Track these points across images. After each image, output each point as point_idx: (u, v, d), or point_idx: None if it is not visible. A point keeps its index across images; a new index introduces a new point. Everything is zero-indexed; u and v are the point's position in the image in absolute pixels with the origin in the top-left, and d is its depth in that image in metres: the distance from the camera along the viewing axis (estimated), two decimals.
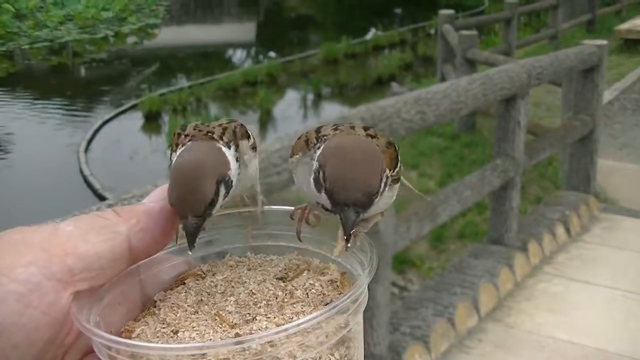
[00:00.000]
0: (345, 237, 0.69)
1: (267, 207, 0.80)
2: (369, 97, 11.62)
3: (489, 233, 5.86)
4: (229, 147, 0.74)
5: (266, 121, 12.13)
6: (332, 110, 12.58)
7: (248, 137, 0.79)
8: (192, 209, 0.67)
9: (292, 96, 14.16)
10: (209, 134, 0.75)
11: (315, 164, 0.72)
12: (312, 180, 0.72)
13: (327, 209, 0.71)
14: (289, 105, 13.30)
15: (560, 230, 6.08)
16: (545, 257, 5.78)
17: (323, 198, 0.71)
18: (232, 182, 0.72)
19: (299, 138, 0.80)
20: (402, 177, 0.85)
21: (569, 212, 6.32)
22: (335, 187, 0.69)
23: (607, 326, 4.85)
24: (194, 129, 0.76)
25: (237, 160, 0.75)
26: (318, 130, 0.79)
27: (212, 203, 0.68)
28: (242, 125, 0.79)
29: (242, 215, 0.79)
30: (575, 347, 4.61)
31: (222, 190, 0.70)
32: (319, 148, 0.74)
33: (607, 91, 10.40)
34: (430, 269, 5.84)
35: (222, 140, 0.74)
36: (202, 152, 0.72)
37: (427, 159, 8.15)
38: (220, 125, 0.77)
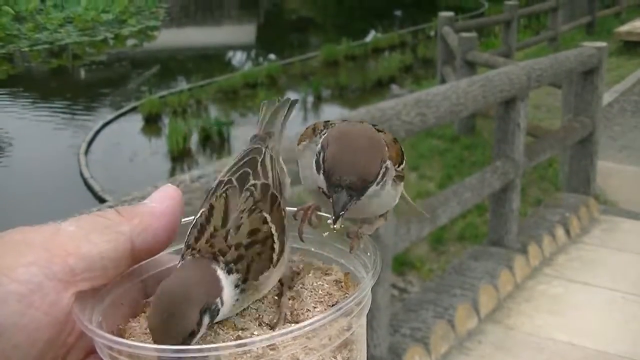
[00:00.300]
0: (333, 218, 0.69)
1: None
2: (369, 99, 11.63)
3: (489, 235, 5.86)
4: (230, 272, 0.68)
5: None
6: (332, 112, 12.58)
7: (271, 261, 0.70)
8: (170, 340, 0.62)
9: (292, 98, 14.17)
10: (219, 253, 0.68)
11: (318, 147, 0.72)
12: (314, 162, 0.72)
13: (325, 194, 0.71)
14: None
15: (560, 232, 6.08)
16: (545, 259, 5.78)
17: (322, 180, 0.71)
18: (218, 310, 0.66)
19: (307, 127, 0.80)
20: (403, 191, 0.85)
21: (569, 214, 6.32)
22: (332, 167, 0.69)
23: (607, 328, 4.86)
24: (207, 242, 0.69)
25: (236, 287, 0.68)
26: (327, 121, 0.79)
27: (192, 335, 0.63)
28: (269, 248, 0.70)
29: None
30: (575, 348, 4.61)
31: (206, 320, 0.64)
32: (324, 134, 0.74)
33: (607, 93, 10.41)
34: (430, 271, 5.84)
35: (226, 265, 0.68)
36: (191, 276, 0.66)
37: (427, 161, 8.15)
38: (238, 248, 0.68)
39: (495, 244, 5.73)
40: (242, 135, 11.39)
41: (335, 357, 0.63)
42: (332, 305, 0.66)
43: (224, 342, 0.63)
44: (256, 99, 12.80)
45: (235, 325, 0.66)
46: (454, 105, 4.80)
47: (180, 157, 10.44)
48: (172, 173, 9.95)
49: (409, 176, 7.59)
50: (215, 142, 11.07)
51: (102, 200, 8.46)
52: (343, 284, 0.70)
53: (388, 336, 4.26)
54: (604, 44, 6.98)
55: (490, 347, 4.64)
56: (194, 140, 11.01)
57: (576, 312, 5.05)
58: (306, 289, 0.70)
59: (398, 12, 26.59)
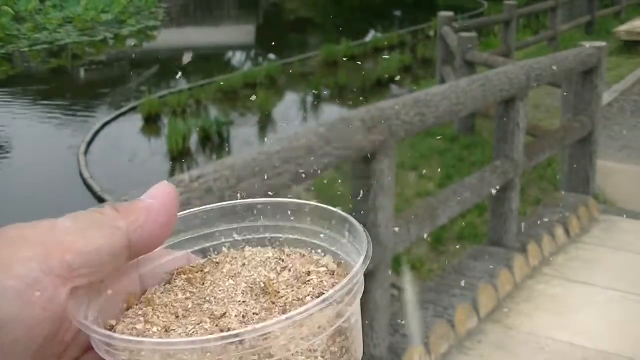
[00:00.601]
0: None
1: (261, 199, 0.77)
2: (369, 99, 11.63)
3: (489, 235, 5.86)
4: None
5: (266, 123, 12.12)
6: (332, 112, 12.59)
7: None
8: None
9: (292, 98, 14.16)
10: None
11: None
12: None
13: None
14: (288, 108, 13.30)
15: (559, 232, 6.07)
16: (545, 259, 5.78)
17: None
18: None
19: None
20: None
21: (569, 213, 6.32)
22: None
23: (607, 327, 4.86)
24: None
25: None
26: None
27: None
28: None
29: (237, 209, 0.79)
30: (574, 348, 4.61)
31: None
32: None
33: (607, 93, 10.40)
34: (430, 271, 5.84)
35: None
36: None
37: (427, 160, 8.15)
38: None
39: (495, 244, 5.72)
40: (241, 135, 11.40)
41: (329, 347, 0.62)
42: (322, 294, 0.66)
43: (210, 332, 0.62)
44: (256, 99, 12.81)
45: (214, 314, 0.64)
46: (453, 105, 4.80)
47: (179, 157, 10.45)
48: (172, 173, 9.95)
49: (409, 176, 7.59)
50: (214, 142, 11.08)
51: (101, 200, 8.46)
52: (336, 273, 0.70)
53: (388, 336, 4.26)
54: (603, 43, 6.97)
55: (490, 346, 4.64)
56: (194, 140, 11.02)
57: (576, 312, 5.05)
58: (296, 279, 0.68)
59: (398, 12, 26.60)
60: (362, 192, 4.11)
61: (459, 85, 5.08)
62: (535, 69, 5.87)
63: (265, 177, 3.22)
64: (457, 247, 6.03)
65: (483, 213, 6.58)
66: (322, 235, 0.73)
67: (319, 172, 3.90)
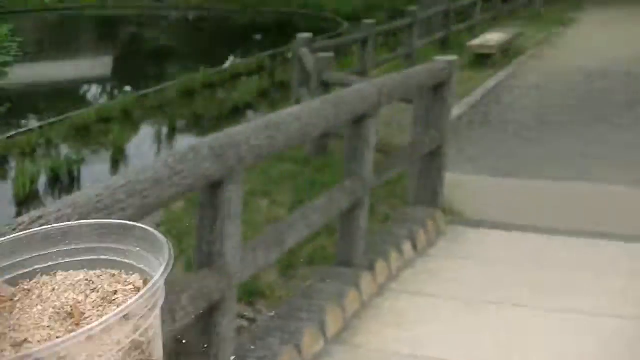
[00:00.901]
0: None
1: (75, 222, 0.78)
2: (226, 127, 11.49)
3: (338, 255, 5.87)
4: None
5: (119, 159, 11.79)
6: (185, 142, 12.36)
7: None
8: None
9: (146, 131, 13.86)
10: None
11: None
12: None
13: None
14: (143, 141, 13.01)
15: (407, 247, 6.16)
16: (392, 275, 5.84)
17: None
18: None
19: None
20: None
21: (417, 227, 6.43)
22: None
23: (451, 337, 4.96)
24: None
25: None
26: None
27: None
28: None
29: (50, 234, 0.77)
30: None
31: None
32: None
33: (457, 106, 10.74)
34: (280, 298, 5.77)
35: None
36: None
37: (278, 186, 8.09)
38: None
39: (344, 264, 5.74)
40: (93, 172, 11.04)
41: None
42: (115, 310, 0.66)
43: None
44: (110, 134, 12.46)
45: (16, 341, 0.65)
46: (305, 125, 4.76)
47: (26, 201, 10.01)
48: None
49: (260, 203, 7.53)
50: (64, 182, 10.68)
51: None
52: (141, 289, 0.70)
53: None
54: (454, 57, 7.15)
55: None
56: (42, 181, 10.58)
57: (421, 325, 5.11)
58: (103, 299, 0.70)
59: (259, 37, 26.72)
60: (208, 221, 4.04)
61: (312, 105, 5.09)
62: (387, 86, 5.94)
63: (109, 213, 3.10)
64: (307, 271, 6.00)
65: (334, 234, 6.58)
66: (130, 253, 0.75)
67: (167, 203, 3.79)
